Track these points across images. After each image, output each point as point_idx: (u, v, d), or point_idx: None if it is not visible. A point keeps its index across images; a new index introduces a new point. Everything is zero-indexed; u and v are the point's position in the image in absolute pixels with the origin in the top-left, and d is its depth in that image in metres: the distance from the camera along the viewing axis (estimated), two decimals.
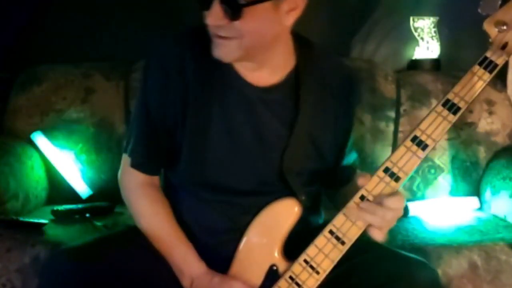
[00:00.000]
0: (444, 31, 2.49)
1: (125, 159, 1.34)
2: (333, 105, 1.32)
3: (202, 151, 1.27)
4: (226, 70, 1.25)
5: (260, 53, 1.21)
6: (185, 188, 1.33)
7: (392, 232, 1.82)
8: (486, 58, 1.17)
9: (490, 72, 1.16)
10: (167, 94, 1.26)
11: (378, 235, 1.17)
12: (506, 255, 1.69)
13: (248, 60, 1.23)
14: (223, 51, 1.17)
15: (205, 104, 1.25)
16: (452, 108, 1.16)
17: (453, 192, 2.20)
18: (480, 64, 1.17)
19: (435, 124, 1.16)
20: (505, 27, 1.16)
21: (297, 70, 1.28)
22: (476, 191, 2.19)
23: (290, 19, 1.18)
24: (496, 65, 1.17)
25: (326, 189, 1.44)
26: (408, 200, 2.11)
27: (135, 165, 1.31)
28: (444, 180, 2.20)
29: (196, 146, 1.27)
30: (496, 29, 1.17)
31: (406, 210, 2.01)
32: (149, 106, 1.28)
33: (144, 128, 1.30)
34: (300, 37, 1.30)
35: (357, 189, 1.18)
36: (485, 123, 2.23)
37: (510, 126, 2.26)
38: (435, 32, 2.46)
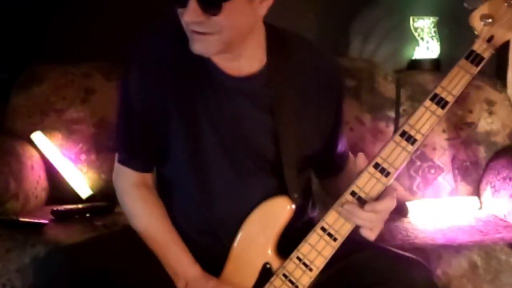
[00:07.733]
0: (444, 31, 2.49)
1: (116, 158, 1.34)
2: (313, 91, 1.30)
3: (194, 143, 1.26)
4: (203, 63, 1.24)
5: (237, 45, 1.21)
6: (178, 186, 1.33)
7: (392, 232, 1.83)
8: (472, 51, 1.17)
9: (477, 65, 1.17)
10: (147, 89, 1.27)
11: (369, 235, 1.18)
12: (506, 255, 1.68)
13: (226, 52, 1.22)
14: (203, 46, 1.17)
15: (187, 97, 1.26)
16: (440, 102, 1.17)
17: (453, 192, 2.20)
18: (467, 58, 1.17)
19: (424, 119, 1.17)
20: (490, 20, 1.17)
21: (270, 59, 1.27)
22: (476, 191, 2.19)
23: (263, 9, 1.19)
24: (483, 58, 1.17)
25: (321, 179, 1.43)
26: (408, 200, 2.11)
27: (123, 161, 1.32)
28: (444, 180, 2.20)
29: (186, 138, 1.26)
30: (482, 23, 1.17)
31: (406, 210, 2.01)
32: (132, 102, 1.29)
33: (129, 124, 1.31)
34: (272, 27, 1.30)
35: (354, 172, 1.19)
36: (485, 123, 2.23)
37: (510, 126, 2.25)
38: (435, 32, 2.46)
